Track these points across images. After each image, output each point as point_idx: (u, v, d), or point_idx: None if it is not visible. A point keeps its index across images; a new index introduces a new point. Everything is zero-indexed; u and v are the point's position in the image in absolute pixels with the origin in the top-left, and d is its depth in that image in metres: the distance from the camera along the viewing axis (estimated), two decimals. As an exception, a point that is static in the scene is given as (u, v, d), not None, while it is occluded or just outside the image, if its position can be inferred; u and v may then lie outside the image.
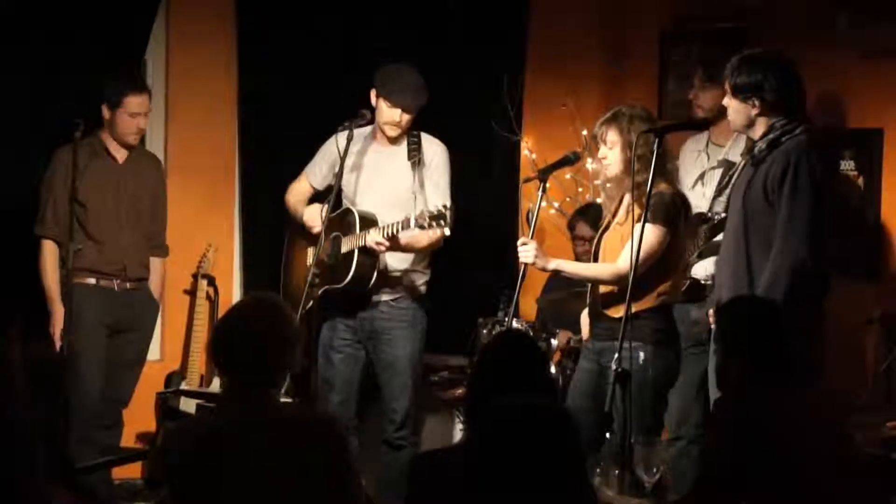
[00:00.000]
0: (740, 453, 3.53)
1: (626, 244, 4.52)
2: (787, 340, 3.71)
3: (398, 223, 4.95)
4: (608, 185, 4.71)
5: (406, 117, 5.19)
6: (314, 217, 5.33)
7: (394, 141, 5.25)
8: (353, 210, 5.21)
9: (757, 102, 4.41)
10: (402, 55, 5.34)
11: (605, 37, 6.79)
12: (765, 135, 4.41)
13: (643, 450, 3.72)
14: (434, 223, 4.80)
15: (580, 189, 6.42)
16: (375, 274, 5.13)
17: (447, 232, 4.82)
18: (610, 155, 4.62)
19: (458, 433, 5.92)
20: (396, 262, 5.23)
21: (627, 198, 4.62)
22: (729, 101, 4.49)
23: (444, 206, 4.80)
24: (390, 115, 5.18)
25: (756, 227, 4.38)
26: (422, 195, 5.13)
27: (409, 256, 5.24)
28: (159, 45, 6.23)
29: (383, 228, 5.02)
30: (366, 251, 5.07)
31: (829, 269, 4.44)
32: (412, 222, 4.87)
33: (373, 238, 5.01)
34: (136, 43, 5.94)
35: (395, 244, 5.06)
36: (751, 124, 4.46)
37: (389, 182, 5.22)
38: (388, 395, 5.26)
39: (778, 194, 4.32)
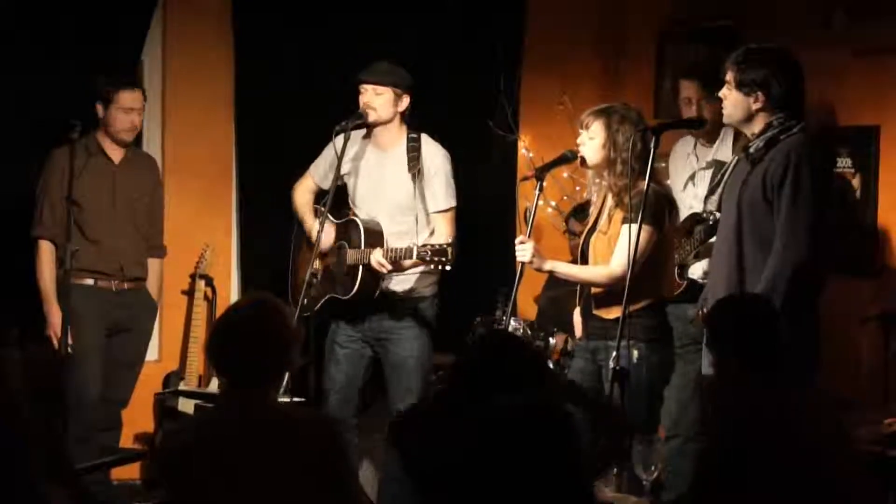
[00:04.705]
0: (738, 452, 3.53)
1: (615, 246, 4.54)
2: (783, 339, 3.70)
3: (401, 250, 4.97)
4: (588, 171, 4.77)
5: (378, 98, 5.17)
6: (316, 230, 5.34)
7: (388, 139, 5.24)
8: (358, 221, 5.20)
9: (761, 97, 4.33)
10: (400, 55, 5.35)
11: (602, 36, 6.81)
12: (762, 132, 4.35)
13: (641, 448, 3.72)
14: (436, 258, 4.82)
15: (577, 188, 6.41)
16: (380, 288, 5.15)
17: (447, 268, 4.84)
18: (589, 144, 4.67)
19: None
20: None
21: (609, 201, 4.66)
22: (728, 94, 4.39)
23: (447, 243, 4.83)
24: (362, 98, 5.19)
25: (753, 225, 4.33)
26: (422, 206, 5.15)
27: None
28: (156, 46, 6.21)
29: (387, 252, 5.02)
30: (370, 268, 5.08)
31: (829, 268, 4.43)
32: (414, 252, 4.88)
33: (376, 259, 5.02)
34: (132, 43, 5.94)
35: (397, 267, 5.07)
36: (748, 118, 4.38)
37: (390, 190, 5.22)
38: (394, 396, 5.22)
39: (778, 193, 4.26)
